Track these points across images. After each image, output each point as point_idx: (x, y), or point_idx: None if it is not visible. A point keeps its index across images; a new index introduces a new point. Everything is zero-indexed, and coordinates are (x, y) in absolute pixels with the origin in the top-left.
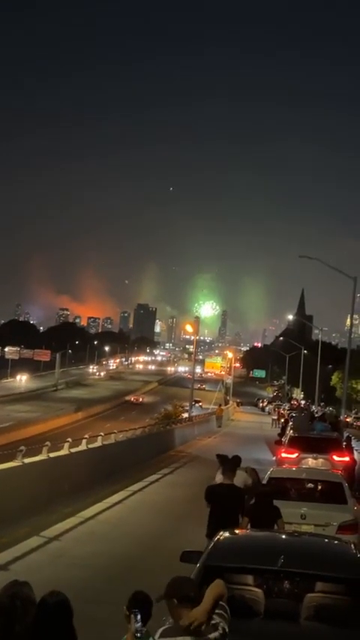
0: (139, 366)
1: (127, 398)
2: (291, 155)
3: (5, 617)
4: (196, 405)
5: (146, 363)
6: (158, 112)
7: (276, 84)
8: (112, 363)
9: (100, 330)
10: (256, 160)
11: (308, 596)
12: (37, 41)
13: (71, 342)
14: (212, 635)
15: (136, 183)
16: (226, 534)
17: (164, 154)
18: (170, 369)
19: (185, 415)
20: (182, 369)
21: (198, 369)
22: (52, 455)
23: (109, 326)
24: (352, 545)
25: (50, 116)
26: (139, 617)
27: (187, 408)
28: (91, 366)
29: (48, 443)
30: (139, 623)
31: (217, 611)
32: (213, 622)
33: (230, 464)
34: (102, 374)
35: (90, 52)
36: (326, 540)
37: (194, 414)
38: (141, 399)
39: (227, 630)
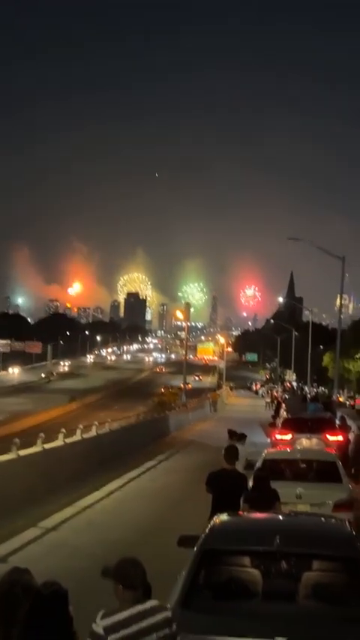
0: (112, 357)
1: (154, 370)
2: (277, 136)
3: (5, 603)
4: (196, 379)
5: (118, 354)
6: (140, 95)
7: (270, 66)
8: (89, 357)
9: (90, 320)
10: (243, 141)
11: (305, 575)
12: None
13: (62, 333)
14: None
15: (122, 169)
16: (223, 517)
17: (149, 138)
18: (148, 359)
19: (181, 385)
20: (158, 355)
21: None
22: (46, 446)
23: (100, 315)
24: (348, 523)
25: (32, 99)
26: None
27: (186, 383)
28: (53, 361)
29: (42, 434)
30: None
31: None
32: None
33: (231, 452)
34: (53, 374)
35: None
36: (322, 519)
37: (194, 386)
38: (163, 369)
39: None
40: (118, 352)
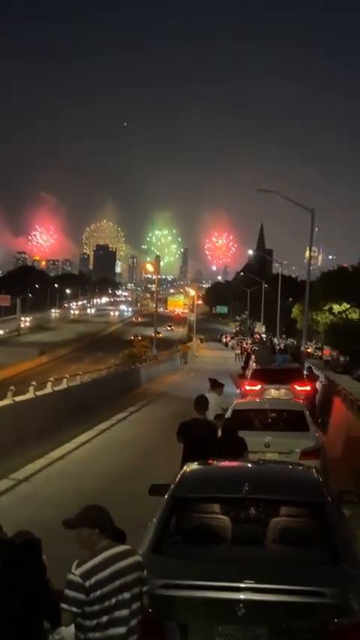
0: (75, 312)
1: (132, 319)
2: (248, 87)
3: None
4: (168, 328)
5: (82, 308)
6: (109, 42)
7: (237, 18)
8: (53, 311)
9: (60, 273)
10: (212, 91)
11: (273, 521)
12: None
13: (31, 286)
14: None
15: (89, 118)
16: (193, 466)
17: (118, 87)
18: (113, 313)
19: (152, 335)
20: (125, 308)
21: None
22: (17, 399)
23: (69, 268)
24: (314, 470)
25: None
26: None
27: (157, 332)
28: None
29: (12, 387)
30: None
31: None
32: None
33: (201, 402)
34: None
35: None
36: (289, 467)
37: (165, 335)
38: (140, 319)
39: None
40: (88, 305)
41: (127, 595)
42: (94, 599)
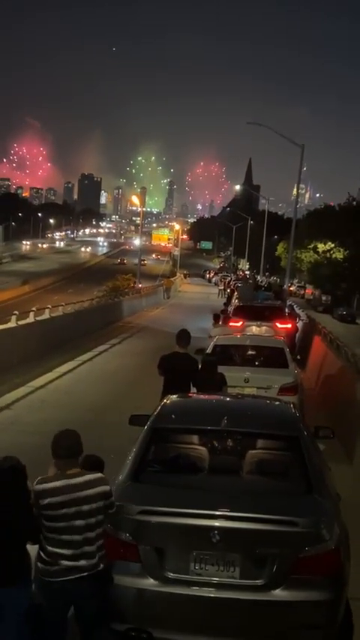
0: (43, 245)
1: (123, 247)
2: (240, 18)
3: None
4: (155, 257)
5: (63, 239)
6: None
7: None
8: (24, 244)
9: (43, 202)
10: (205, 22)
11: (250, 453)
12: None
13: (14, 215)
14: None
15: (77, 46)
16: (173, 398)
17: (107, 11)
18: (85, 249)
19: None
20: (102, 241)
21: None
22: None
23: (53, 197)
24: (292, 405)
25: None
26: None
27: (141, 259)
28: None
29: None
30: None
31: None
32: None
33: (183, 335)
34: None
35: None
36: (267, 401)
37: (151, 263)
38: (131, 247)
39: None
40: (72, 235)
41: (80, 522)
42: (44, 516)
